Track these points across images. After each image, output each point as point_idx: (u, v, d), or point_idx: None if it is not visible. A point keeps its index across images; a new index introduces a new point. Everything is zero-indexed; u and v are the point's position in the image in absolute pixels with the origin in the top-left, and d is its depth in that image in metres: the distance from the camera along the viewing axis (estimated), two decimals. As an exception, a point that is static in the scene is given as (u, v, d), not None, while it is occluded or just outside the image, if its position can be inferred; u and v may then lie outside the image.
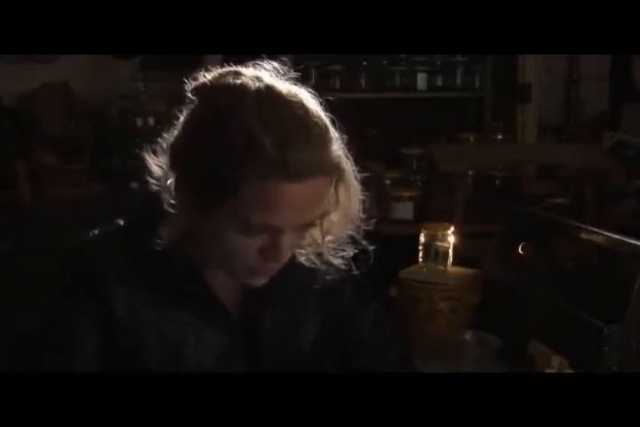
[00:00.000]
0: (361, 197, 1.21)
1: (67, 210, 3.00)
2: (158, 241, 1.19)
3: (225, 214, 1.11)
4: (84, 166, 3.43)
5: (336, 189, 1.17)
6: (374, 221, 1.25)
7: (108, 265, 1.21)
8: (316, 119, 1.11)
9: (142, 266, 1.21)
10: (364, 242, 1.25)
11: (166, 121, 1.18)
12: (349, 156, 1.17)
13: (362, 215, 1.23)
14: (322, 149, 1.11)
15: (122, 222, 1.26)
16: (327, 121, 1.13)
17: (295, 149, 1.07)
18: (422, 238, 2.02)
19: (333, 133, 1.13)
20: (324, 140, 1.11)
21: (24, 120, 3.49)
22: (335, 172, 1.14)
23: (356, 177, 1.19)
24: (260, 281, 1.21)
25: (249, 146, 1.07)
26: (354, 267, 1.29)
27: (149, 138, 1.19)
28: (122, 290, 1.20)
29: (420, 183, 3.27)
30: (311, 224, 1.17)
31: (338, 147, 1.14)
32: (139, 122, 3.52)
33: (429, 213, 2.93)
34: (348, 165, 1.17)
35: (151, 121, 3.49)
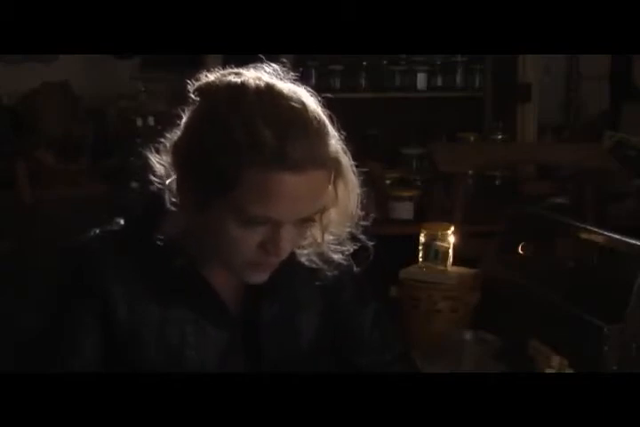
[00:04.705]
0: (359, 192, 1.22)
1: (67, 210, 3.00)
2: (158, 240, 1.20)
3: (225, 208, 1.12)
4: (83, 166, 3.43)
5: (335, 184, 1.18)
6: (372, 217, 1.26)
7: (108, 264, 1.21)
8: (314, 114, 1.13)
9: (142, 265, 1.21)
10: (363, 238, 1.26)
11: (166, 121, 1.19)
12: (347, 151, 1.19)
13: (360, 211, 1.23)
14: (320, 142, 1.13)
15: (122, 221, 1.26)
16: (325, 117, 1.15)
17: (294, 139, 1.09)
18: (422, 238, 2.02)
19: (331, 129, 1.16)
20: (322, 133, 1.14)
21: (24, 120, 3.49)
22: (333, 166, 1.16)
23: (353, 172, 1.20)
24: (261, 277, 1.21)
25: (249, 138, 1.09)
26: (354, 264, 1.29)
27: (149, 138, 1.20)
28: (122, 289, 1.21)
29: (419, 183, 3.27)
30: (310, 219, 1.18)
31: (335, 142, 1.16)
32: (139, 122, 3.52)
33: (429, 213, 2.93)
34: (346, 160, 1.19)
35: (151, 121, 3.49)
